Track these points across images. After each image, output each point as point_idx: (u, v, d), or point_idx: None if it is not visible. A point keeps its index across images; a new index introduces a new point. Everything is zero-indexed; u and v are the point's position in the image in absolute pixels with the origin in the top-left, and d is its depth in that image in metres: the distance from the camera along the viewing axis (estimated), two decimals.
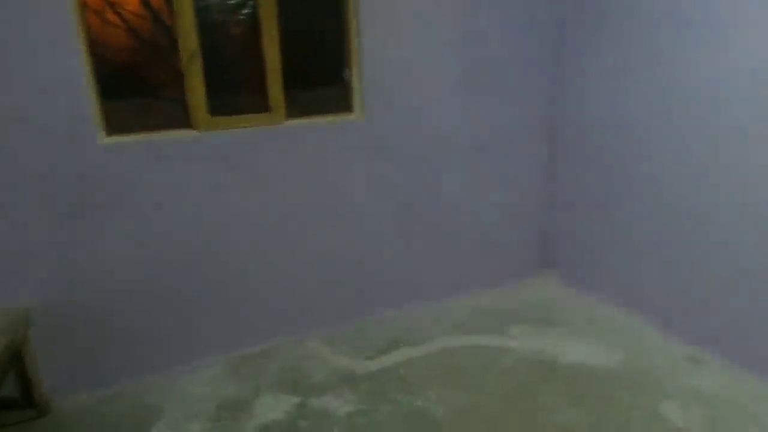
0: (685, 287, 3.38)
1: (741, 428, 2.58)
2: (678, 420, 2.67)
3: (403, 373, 3.16)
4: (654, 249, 3.55)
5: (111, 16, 3.15)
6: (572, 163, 4.09)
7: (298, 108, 3.36)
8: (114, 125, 2.97)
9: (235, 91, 3.42)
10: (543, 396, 2.91)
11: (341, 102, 3.47)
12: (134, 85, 3.30)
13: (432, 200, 3.83)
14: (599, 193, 3.90)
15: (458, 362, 3.25)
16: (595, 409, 2.78)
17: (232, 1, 3.45)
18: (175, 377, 3.20)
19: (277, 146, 3.27)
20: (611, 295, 3.89)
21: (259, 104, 3.26)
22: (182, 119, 3.11)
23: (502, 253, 4.22)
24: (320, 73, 3.58)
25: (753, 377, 2.94)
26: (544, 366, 3.18)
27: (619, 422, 2.68)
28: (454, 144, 3.78)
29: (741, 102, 2.89)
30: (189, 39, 2.97)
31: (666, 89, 3.28)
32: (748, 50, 2.82)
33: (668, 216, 3.42)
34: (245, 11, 3.41)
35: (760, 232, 2.89)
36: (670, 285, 3.47)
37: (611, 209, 3.83)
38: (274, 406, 2.90)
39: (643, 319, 3.62)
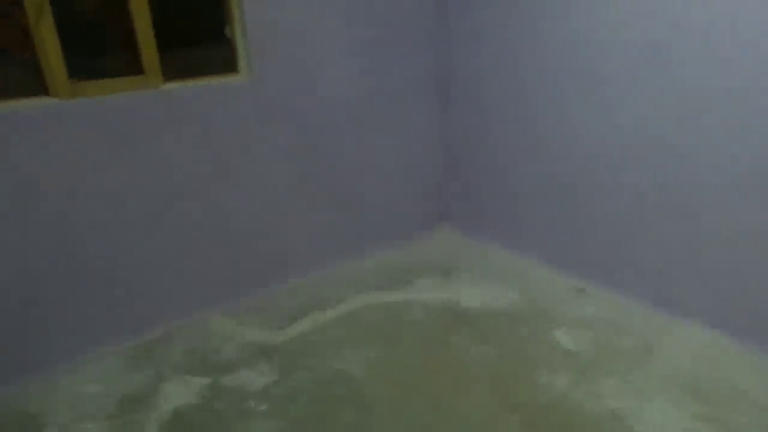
0: (567, 228, 3.71)
1: (620, 343, 2.94)
2: (570, 344, 2.97)
3: (317, 338, 3.12)
4: (537, 195, 3.83)
5: None
6: (462, 116, 4.23)
7: (176, 69, 3.05)
8: None
9: (100, 51, 3.00)
10: (453, 340, 3.06)
11: (225, 62, 3.22)
12: None
13: (328, 161, 3.74)
14: (487, 145, 4.10)
15: (370, 320, 3.29)
16: (499, 344, 2.99)
17: None
18: (59, 377, 2.85)
19: (155, 113, 2.95)
20: (503, 241, 4.16)
21: (131, 66, 2.90)
22: (37, 85, 2.68)
23: (401, 210, 4.29)
24: (199, 31, 3.27)
25: (630, 301, 3.34)
26: (451, 312, 3.33)
27: (521, 352, 2.91)
28: (346, 103, 3.71)
29: (620, 50, 3.16)
30: None
31: (549, 41, 3.49)
32: None
33: (548, 163, 3.69)
34: None
35: (632, 174, 3.24)
36: (554, 227, 3.79)
37: (498, 160, 4.05)
38: (182, 391, 2.72)
39: (532, 260, 3.92)
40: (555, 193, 3.70)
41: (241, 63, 3.24)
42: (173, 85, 3.03)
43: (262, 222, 3.53)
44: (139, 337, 3.16)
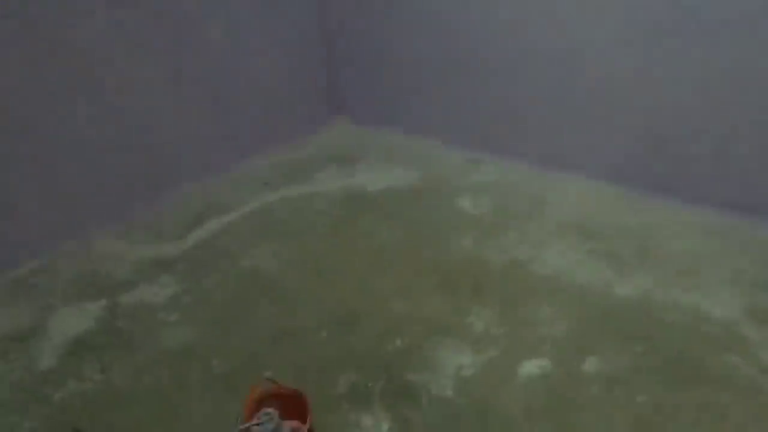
0: (457, 108, 3.71)
1: (516, 203, 3.09)
2: (471, 209, 3.07)
3: (221, 242, 2.93)
4: (427, 77, 3.76)
5: None
6: (349, 6, 3.94)
7: None
8: None
9: None
10: (361, 224, 3.03)
11: None
12: None
13: (205, 58, 3.34)
14: (377, 34, 3.88)
15: (274, 217, 3.14)
16: (407, 219, 3.02)
17: None
18: None
19: None
20: (400, 127, 4.10)
21: None
22: None
23: (292, 105, 4.03)
24: None
25: (521, 166, 3.49)
26: (356, 198, 3.28)
27: (428, 223, 2.96)
28: None
29: None
30: None
31: None
32: None
33: (433, 44, 3.59)
34: None
35: (514, 46, 3.24)
36: (447, 107, 3.78)
37: (389, 47, 3.87)
38: (77, 319, 2.45)
39: (430, 141, 3.93)
40: (444, 73, 3.65)
41: None
42: None
43: (141, 129, 3.12)
44: (14, 269, 2.78)
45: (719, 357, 2.01)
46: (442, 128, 3.82)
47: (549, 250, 2.68)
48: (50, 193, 2.81)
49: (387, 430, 1.84)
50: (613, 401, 1.88)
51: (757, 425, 1.76)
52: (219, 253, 2.83)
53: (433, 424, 1.85)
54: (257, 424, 1.58)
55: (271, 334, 2.28)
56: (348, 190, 3.38)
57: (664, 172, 3.01)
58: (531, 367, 2.04)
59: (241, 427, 1.57)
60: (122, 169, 3.07)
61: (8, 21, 2.50)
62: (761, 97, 2.63)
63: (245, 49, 3.53)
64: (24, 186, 2.71)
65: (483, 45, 3.35)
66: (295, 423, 1.74)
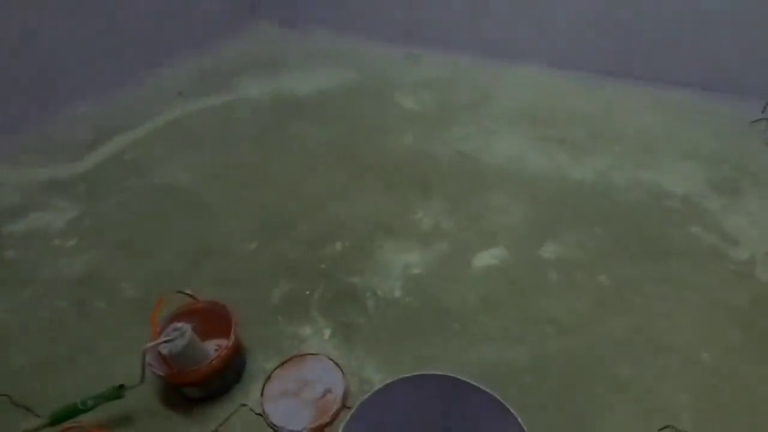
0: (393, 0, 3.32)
1: (461, 96, 2.81)
2: (412, 105, 2.77)
3: (129, 159, 2.51)
4: None
5: None
6: None
7: None
8: None
9: None
10: (291, 129, 2.68)
11: None
12: None
13: None
14: None
15: (191, 129, 2.72)
16: (343, 120, 2.68)
17: None
18: None
19: None
20: (329, 25, 3.64)
21: None
22: None
23: (206, 5, 3.49)
24: None
25: (464, 58, 3.18)
26: (284, 104, 2.89)
27: (365, 123, 2.64)
28: None
29: None
30: None
31: None
32: None
33: None
34: None
35: None
36: (380, 1, 3.38)
37: None
38: None
39: (363, 38, 3.53)
40: None
41: None
42: None
43: (26, 37, 2.57)
44: None
45: (681, 230, 1.88)
46: (377, 24, 3.42)
47: (499, 139, 2.44)
48: None
49: (330, 337, 1.62)
50: (574, 284, 1.71)
51: (729, 290, 1.65)
52: (126, 172, 2.42)
53: (381, 326, 1.64)
54: (166, 341, 1.31)
55: (192, 251, 1.96)
56: (275, 95, 2.98)
57: (616, 54, 2.80)
58: (486, 257, 1.84)
59: (147, 345, 1.29)
60: (6, 84, 2.55)
61: None
62: None
63: None
64: None
65: None
66: (219, 341, 1.49)
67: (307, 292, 1.75)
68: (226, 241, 1.99)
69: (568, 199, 2.06)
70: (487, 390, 1.11)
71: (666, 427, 1.33)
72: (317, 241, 1.96)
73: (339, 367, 1.50)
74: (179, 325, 1.33)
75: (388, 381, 1.19)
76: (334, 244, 1.93)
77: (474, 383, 1.14)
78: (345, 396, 1.41)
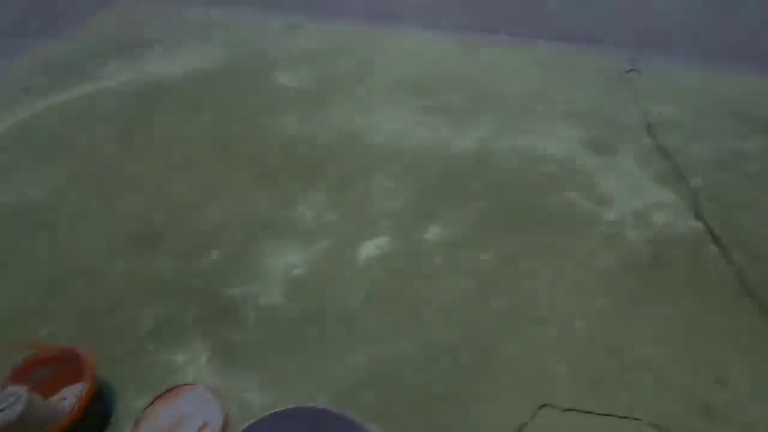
0: None
1: (343, 67, 2.64)
2: (290, 82, 2.57)
3: None
4: None
5: None
6: None
7: None
8: None
9: None
10: (158, 121, 2.40)
11: None
12: None
13: None
14: None
15: (41, 131, 2.37)
16: (215, 107, 2.44)
17: None
18: None
19: None
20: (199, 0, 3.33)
21: None
22: None
23: None
24: None
25: (346, 27, 2.99)
26: (150, 91, 2.58)
27: (239, 106, 2.42)
28: None
29: None
30: None
31: None
32: None
33: None
34: None
35: None
36: None
37: None
38: None
39: (237, 9, 3.23)
40: None
41: None
42: None
43: None
44: None
45: (558, 196, 1.89)
46: None
47: (381, 115, 2.33)
48: None
49: (207, 361, 1.51)
50: (457, 267, 1.68)
51: (600, 254, 1.69)
52: None
53: (264, 340, 1.53)
54: (0, 410, 1.14)
55: (47, 279, 1.73)
56: (140, 82, 2.66)
57: (496, 12, 2.74)
58: (370, 248, 1.76)
59: None
60: None
61: None
62: None
63: None
64: None
65: None
66: (72, 389, 1.33)
67: (181, 313, 1.62)
68: (86, 263, 1.77)
69: (452, 174, 2.01)
70: (356, 420, 1.06)
71: (544, 405, 1.35)
72: (190, 251, 1.79)
73: (217, 396, 1.39)
74: (13, 389, 1.15)
75: (256, 420, 1.12)
76: (210, 253, 1.77)
77: (343, 415, 1.08)
78: (224, 429, 1.32)
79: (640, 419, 1.30)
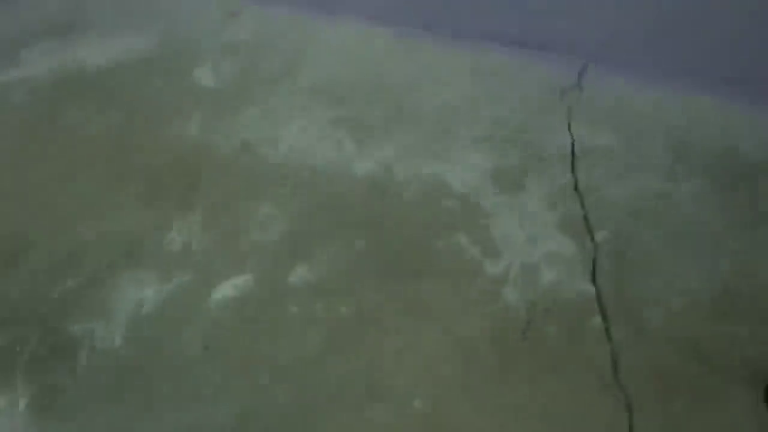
0: None
1: (267, 65, 2.39)
2: (210, 81, 2.32)
3: None
4: None
5: None
6: None
7: None
8: None
9: None
10: (67, 117, 2.24)
11: None
12: None
13: None
14: None
15: None
16: (128, 105, 2.25)
17: None
18: None
19: None
20: None
21: None
22: None
23: None
24: None
25: (285, 13, 2.71)
26: (69, 82, 2.41)
27: (152, 106, 2.22)
28: None
29: None
30: None
31: None
32: None
33: None
34: None
35: None
36: None
37: None
38: None
39: None
40: None
41: None
42: None
43: None
44: None
45: (447, 239, 1.67)
46: None
47: (290, 125, 2.11)
48: None
49: (25, 408, 1.41)
50: (311, 319, 1.51)
51: (470, 318, 1.49)
52: None
53: (88, 389, 1.40)
54: None
55: None
56: (62, 70, 2.49)
57: (438, 7, 2.43)
58: (227, 289, 1.60)
59: None
60: None
61: None
62: None
63: None
64: None
65: None
66: None
67: (18, 348, 1.52)
68: None
69: (343, 202, 1.80)
70: None
71: None
72: (48, 274, 1.66)
73: None
74: None
75: None
76: (66, 279, 1.65)
77: None
78: None
79: None
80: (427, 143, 1.97)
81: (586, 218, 1.66)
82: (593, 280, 1.51)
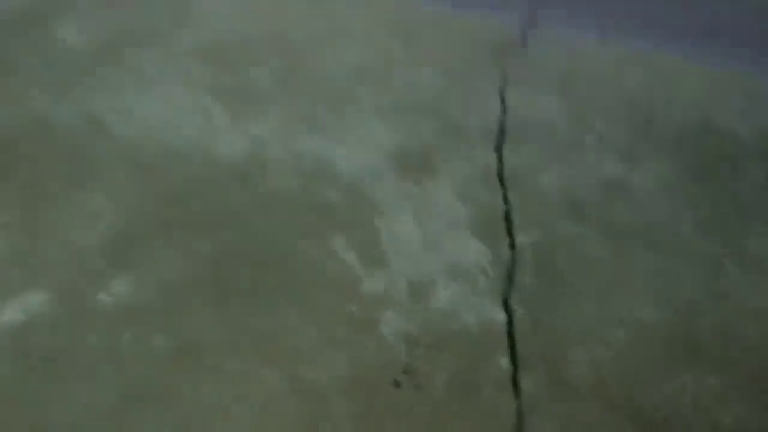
0: None
1: (151, 13, 1.93)
2: (75, 37, 1.84)
3: None
4: None
5: None
6: None
7: None
8: None
9: None
10: None
11: None
12: None
13: None
14: None
15: None
16: None
17: None
18: None
19: None
20: None
21: None
22: None
23: None
24: None
25: None
26: None
27: (8, 68, 1.82)
28: None
29: None
30: None
31: None
32: None
33: None
34: None
35: None
36: None
37: None
38: None
39: None
40: None
41: None
42: None
43: None
44: None
45: (320, 243, 1.22)
46: None
47: (153, 94, 1.66)
48: None
49: None
50: (114, 355, 1.08)
51: (317, 359, 1.05)
52: None
53: None
54: None
55: None
56: None
57: None
58: (14, 311, 1.19)
59: None
60: None
61: None
62: None
63: None
64: None
65: None
66: None
67: None
68: None
69: (192, 192, 1.36)
70: None
71: None
72: None
73: None
74: None
75: None
76: None
77: None
78: None
79: None
80: (319, 114, 1.52)
81: (507, 216, 1.24)
82: (505, 305, 1.09)
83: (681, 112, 1.42)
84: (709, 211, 1.23)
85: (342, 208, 1.28)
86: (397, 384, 0.98)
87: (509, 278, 1.11)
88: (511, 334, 1.03)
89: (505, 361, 1.00)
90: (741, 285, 1.06)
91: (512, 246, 1.16)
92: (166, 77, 1.70)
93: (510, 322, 1.04)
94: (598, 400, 0.95)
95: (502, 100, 1.49)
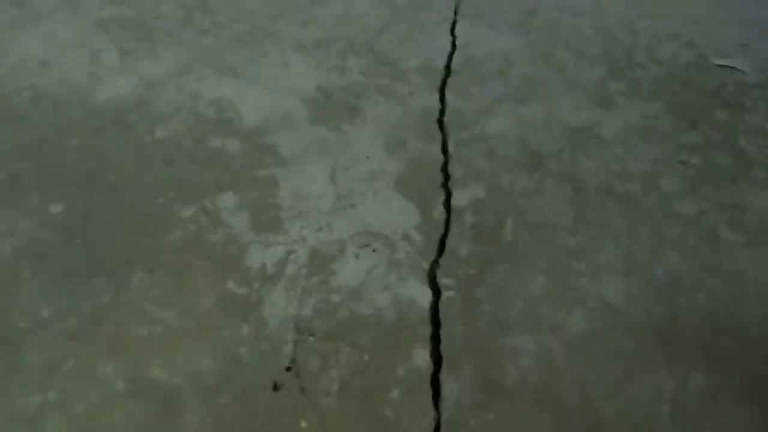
0: None
1: None
2: None
3: None
4: None
5: None
6: None
7: None
8: None
9: None
10: None
11: None
12: None
13: None
14: None
15: None
16: None
17: None
18: None
19: None
20: None
21: None
22: None
23: None
24: None
25: None
26: None
27: None
28: None
29: None
30: None
31: None
32: None
33: None
34: None
35: None
36: None
37: None
38: None
39: None
40: None
41: None
42: None
43: None
44: None
45: (202, 204, 0.97)
46: None
47: (39, 28, 1.38)
48: None
49: None
50: None
51: (173, 353, 0.81)
52: None
53: None
54: None
55: None
56: None
57: None
58: None
59: None
60: None
61: None
62: None
63: None
64: None
65: None
66: None
67: None
68: None
69: (57, 145, 1.07)
70: None
71: None
72: None
73: None
74: None
75: None
76: None
77: None
78: None
79: None
80: (228, 50, 1.24)
81: (445, 167, 0.97)
82: (432, 282, 0.84)
83: (668, 46, 1.16)
84: (699, 162, 0.97)
85: (239, 161, 1.01)
86: (276, 387, 0.74)
87: (440, 247, 0.86)
88: (435, 320, 0.78)
89: (423, 357, 0.75)
90: (738, 254, 0.82)
91: (447, 206, 0.91)
92: (53, 11, 1.41)
93: (435, 305, 0.79)
94: (544, 408, 0.70)
95: (452, 33, 1.22)
